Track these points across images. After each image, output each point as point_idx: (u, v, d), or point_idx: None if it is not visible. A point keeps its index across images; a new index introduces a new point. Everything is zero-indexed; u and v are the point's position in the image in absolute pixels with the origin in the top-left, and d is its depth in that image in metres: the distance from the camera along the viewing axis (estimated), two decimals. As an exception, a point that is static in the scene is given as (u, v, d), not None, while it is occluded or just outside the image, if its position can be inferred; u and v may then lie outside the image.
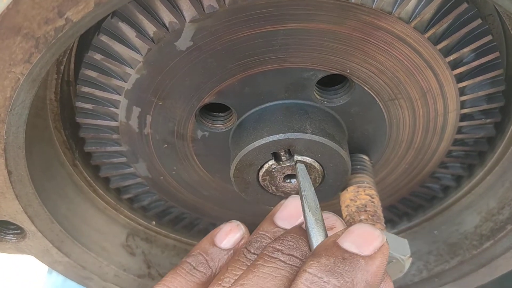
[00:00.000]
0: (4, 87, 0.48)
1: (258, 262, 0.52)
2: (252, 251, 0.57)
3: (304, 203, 0.56)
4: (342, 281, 0.47)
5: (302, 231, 0.56)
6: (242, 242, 0.64)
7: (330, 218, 0.59)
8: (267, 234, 0.58)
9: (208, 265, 0.62)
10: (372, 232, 0.51)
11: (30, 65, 0.46)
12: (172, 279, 0.60)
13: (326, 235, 0.53)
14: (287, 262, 0.52)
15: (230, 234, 0.63)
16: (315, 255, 0.50)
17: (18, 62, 0.46)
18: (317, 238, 0.53)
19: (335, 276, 0.47)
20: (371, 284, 0.48)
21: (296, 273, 0.50)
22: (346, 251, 0.49)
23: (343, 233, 0.51)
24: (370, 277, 0.48)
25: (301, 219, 0.59)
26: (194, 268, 0.61)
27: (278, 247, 0.53)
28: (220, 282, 0.54)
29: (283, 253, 0.52)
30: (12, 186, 0.60)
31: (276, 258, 0.52)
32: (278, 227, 0.59)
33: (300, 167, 0.62)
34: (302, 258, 0.52)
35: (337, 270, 0.48)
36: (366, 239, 0.50)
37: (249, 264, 0.55)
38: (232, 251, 0.63)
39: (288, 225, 0.59)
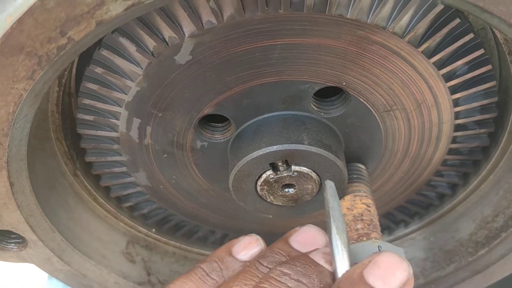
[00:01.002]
0: (8, 103, 0.49)
1: (264, 285, 0.52)
2: (265, 264, 0.57)
3: (332, 224, 0.53)
4: None
5: (311, 260, 0.55)
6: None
7: None
8: (281, 252, 0.58)
9: (222, 273, 0.61)
10: (398, 265, 0.50)
11: (33, 81, 0.47)
12: (183, 283, 0.59)
13: (350, 261, 0.52)
14: None
15: (248, 247, 0.63)
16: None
17: (21, 79, 0.47)
18: (342, 263, 0.52)
19: None
20: None
21: None
22: None
23: (369, 262, 0.51)
24: None
25: (314, 247, 0.58)
26: (207, 274, 0.60)
27: (286, 271, 0.53)
28: None
29: (291, 278, 0.52)
30: (14, 197, 0.61)
31: (283, 283, 0.51)
32: (292, 248, 0.59)
33: (329, 185, 0.58)
34: (309, 285, 0.51)
35: None
36: (392, 272, 0.50)
37: (260, 276, 0.54)
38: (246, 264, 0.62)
39: (302, 249, 0.59)
